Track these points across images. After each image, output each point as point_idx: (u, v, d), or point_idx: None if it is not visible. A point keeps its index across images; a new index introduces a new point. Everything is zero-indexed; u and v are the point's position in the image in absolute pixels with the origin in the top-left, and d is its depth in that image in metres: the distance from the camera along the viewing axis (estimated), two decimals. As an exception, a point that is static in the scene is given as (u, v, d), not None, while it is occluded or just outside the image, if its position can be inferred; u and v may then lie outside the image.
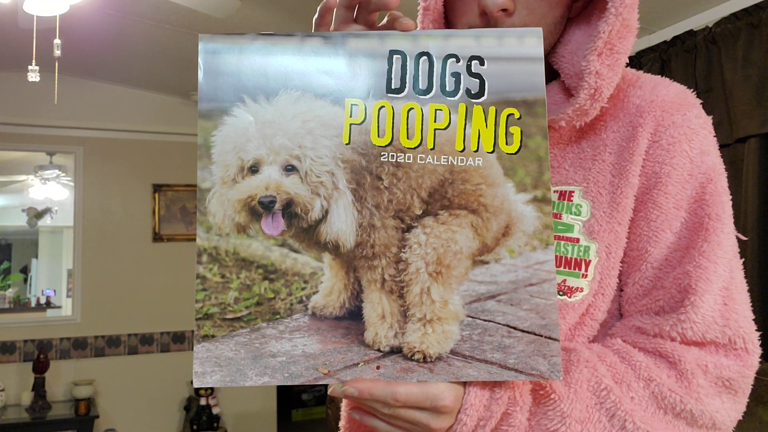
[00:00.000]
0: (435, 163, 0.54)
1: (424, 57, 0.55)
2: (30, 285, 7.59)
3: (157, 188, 4.18)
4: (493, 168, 0.54)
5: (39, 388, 3.59)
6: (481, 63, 0.54)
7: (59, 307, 6.39)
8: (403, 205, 0.55)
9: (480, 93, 0.54)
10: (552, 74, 0.73)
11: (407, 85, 0.55)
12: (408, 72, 0.55)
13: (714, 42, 2.29)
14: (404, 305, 0.55)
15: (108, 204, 4.07)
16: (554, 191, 0.68)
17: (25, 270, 7.77)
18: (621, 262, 0.69)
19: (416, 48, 0.56)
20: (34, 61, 2.43)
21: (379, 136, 0.54)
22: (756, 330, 0.66)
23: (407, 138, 0.54)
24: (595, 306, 0.68)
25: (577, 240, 0.68)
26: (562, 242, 0.68)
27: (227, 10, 2.17)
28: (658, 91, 0.70)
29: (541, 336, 0.53)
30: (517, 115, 0.53)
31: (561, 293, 0.67)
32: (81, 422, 3.49)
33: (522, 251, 0.54)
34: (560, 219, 0.68)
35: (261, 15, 2.70)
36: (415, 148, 0.54)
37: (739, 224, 2.22)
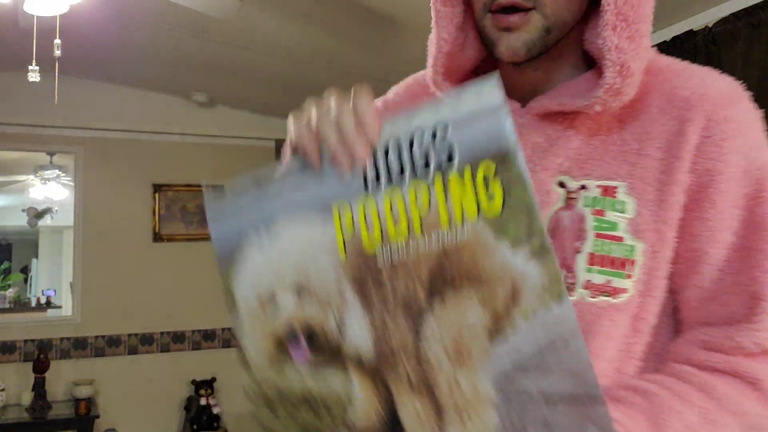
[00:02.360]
0: (427, 247, 0.53)
1: (393, 142, 0.55)
2: (30, 285, 7.59)
3: (158, 188, 4.19)
4: (483, 234, 0.51)
5: (39, 388, 3.59)
6: (446, 130, 0.53)
7: (59, 307, 6.39)
8: (408, 297, 0.54)
9: (451, 160, 0.53)
10: (591, 62, 0.71)
11: (382, 174, 0.55)
12: (379, 160, 0.55)
13: (714, 42, 2.29)
14: (436, 401, 0.53)
15: (108, 204, 4.07)
16: (596, 186, 0.65)
17: (25, 270, 7.77)
18: (675, 264, 0.65)
19: (383, 138, 0.56)
20: (34, 61, 2.43)
21: (370, 242, 0.55)
22: None
23: (395, 232, 0.54)
24: (644, 309, 0.65)
25: (621, 239, 0.64)
26: (606, 240, 0.64)
27: (227, 11, 2.17)
28: (707, 84, 0.67)
29: (583, 399, 0.49)
30: (492, 172, 0.51)
31: (606, 294, 0.64)
32: (81, 422, 3.50)
33: (536, 312, 0.49)
34: (603, 216, 0.64)
35: (261, 15, 2.70)
36: (406, 240, 0.53)
37: (739, 224, 2.22)
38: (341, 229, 0.56)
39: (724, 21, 2.25)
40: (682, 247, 0.65)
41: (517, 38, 0.66)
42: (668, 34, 2.52)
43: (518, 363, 0.50)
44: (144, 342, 4.06)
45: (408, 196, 0.54)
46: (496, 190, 0.50)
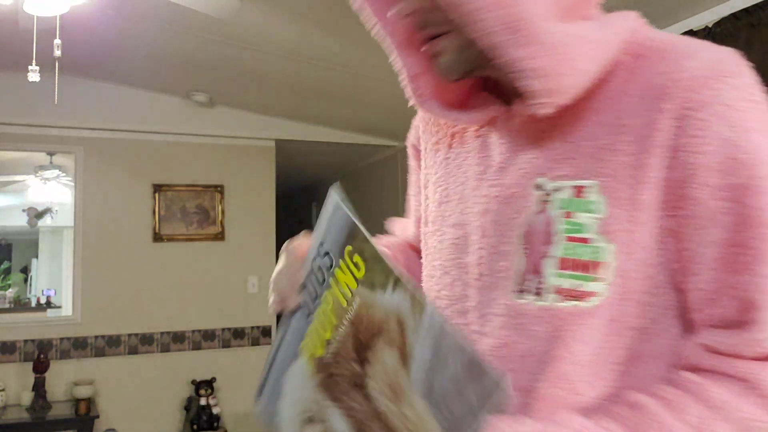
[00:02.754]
0: (345, 330, 0.66)
1: (308, 274, 0.75)
2: (30, 285, 7.59)
3: (158, 188, 4.19)
4: (364, 294, 0.64)
5: (39, 387, 3.59)
6: (322, 245, 0.72)
7: (59, 307, 6.39)
8: (351, 375, 0.65)
9: (332, 262, 0.70)
10: None
11: (312, 301, 0.73)
12: (308, 288, 0.74)
13: (714, 42, 2.29)
14: None
15: (108, 204, 4.07)
16: (570, 186, 0.63)
17: (25, 270, 7.77)
18: (676, 264, 0.62)
19: (307, 269, 0.76)
20: (34, 61, 2.43)
21: (320, 349, 0.70)
22: None
23: (326, 331, 0.69)
24: (622, 312, 0.62)
25: (588, 240, 0.61)
26: (575, 243, 0.61)
27: (227, 11, 2.17)
28: (683, 65, 0.60)
29: (477, 374, 0.54)
30: (352, 249, 0.67)
31: (575, 298, 0.62)
32: (81, 422, 3.50)
33: (416, 327, 0.58)
34: (572, 218, 0.62)
35: (261, 15, 2.70)
36: (333, 334, 0.68)
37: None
38: (308, 353, 0.72)
39: (723, 21, 2.25)
40: (677, 246, 0.61)
41: (442, 62, 0.68)
42: (668, 34, 2.52)
43: (427, 371, 0.57)
44: (144, 342, 4.06)
45: (324, 304, 0.70)
46: (358, 259, 0.65)
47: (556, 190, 0.64)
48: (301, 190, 7.13)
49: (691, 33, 2.39)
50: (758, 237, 0.58)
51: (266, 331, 4.40)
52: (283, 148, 4.74)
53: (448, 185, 0.78)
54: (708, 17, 2.39)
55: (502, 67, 0.60)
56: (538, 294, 0.64)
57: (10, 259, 7.66)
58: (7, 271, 7.44)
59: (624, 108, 0.62)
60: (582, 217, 0.62)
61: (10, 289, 6.83)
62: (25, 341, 3.82)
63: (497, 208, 0.69)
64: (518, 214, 0.67)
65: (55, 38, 2.17)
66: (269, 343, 4.41)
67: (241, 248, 4.38)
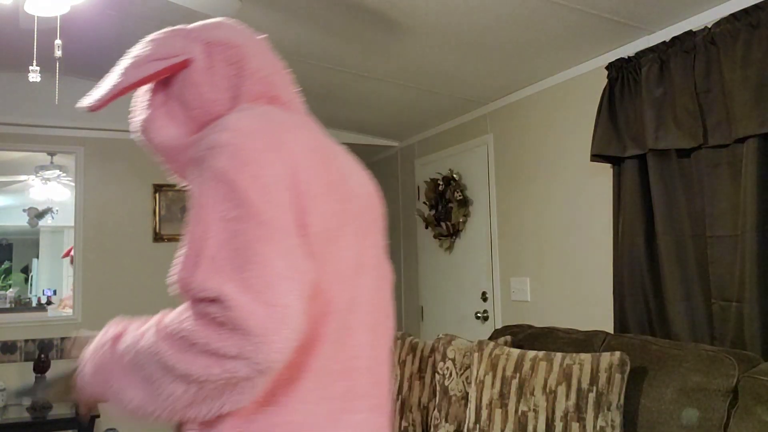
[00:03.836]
0: None
1: None
2: (31, 285, 7.59)
3: (158, 188, 4.19)
4: None
5: (40, 387, 3.59)
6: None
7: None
8: None
9: None
10: None
11: None
12: None
13: (713, 42, 2.29)
14: None
15: (108, 204, 4.07)
16: None
17: (26, 270, 7.77)
18: None
19: None
20: (34, 61, 2.43)
21: None
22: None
23: None
24: None
25: None
26: None
27: (228, 11, 2.18)
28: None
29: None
30: None
31: None
32: (81, 422, 3.50)
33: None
34: None
35: (262, 16, 2.70)
36: None
37: (738, 224, 2.22)
38: None
39: (723, 21, 2.25)
40: None
41: None
42: (667, 34, 2.52)
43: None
44: (144, 342, 4.06)
45: None
46: None
47: None
48: (301, 190, 7.13)
49: (690, 33, 2.39)
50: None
51: (266, 331, 4.40)
52: (283, 148, 4.74)
53: None
54: (707, 18, 2.39)
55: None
56: None
57: (11, 259, 7.67)
58: (8, 271, 7.44)
59: None
60: None
61: (11, 289, 6.83)
62: (26, 341, 3.83)
63: None
64: None
65: (56, 38, 2.17)
66: (269, 343, 4.41)
67: (242, 248, 4.37)
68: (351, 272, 0.88)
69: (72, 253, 4.92)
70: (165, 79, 0.98)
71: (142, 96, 1.03)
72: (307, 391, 0.81)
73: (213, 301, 0.74)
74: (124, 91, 0.95)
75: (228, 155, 0.80)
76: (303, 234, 0.80)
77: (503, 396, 2.33)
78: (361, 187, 0.99)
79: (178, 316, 0.80)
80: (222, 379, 0.72)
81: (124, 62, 0.97)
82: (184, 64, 0.95)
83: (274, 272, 0.73)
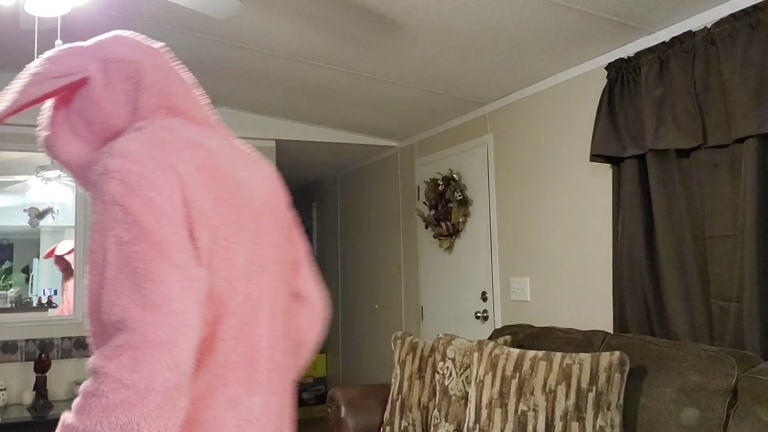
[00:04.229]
0: None
1: None
2: (31, 285, 7.59)
3: (158, 188, 4.19)
4: None
5: (40, 387, 3.61)
6: None
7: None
8: None
9: None
10: None
11: None
12: None
13: (713, 43, 2.29)
14: None
15: (109, 204, 4.07)
16: None
17: (26, 270, 7.78)
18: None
19: None
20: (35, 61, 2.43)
21: None
22: None
23: None
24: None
25: None
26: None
27: (228, 12, 2.18)
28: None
29: None
30: None
31: None
32: (82, 421, 3.50)
33: None
34: None
35: (262, 16, 2.71)
36: None
37: (738, 224, 2.23)
38: None
39: (722, 22, 2.26)
40: None
41: None
42: (667, 35, 2.53)
43: None
44: (145, 341, 4.07)
45: None
46: None
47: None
48: (301, 190, 7.14)
49: (689, 34, 2.40)
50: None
51: (267, 331, 4.41)
52: (283, 148, 4.75)
53: None
54: (707, 18, 2.39)
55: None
56: None
57: (11, 259, 7.67)
58: (9, 271, 7.45)
59: None
60: None
61: (12, 289, 6.84)
62: (27, 341, 3.83)
63: None
64: None
65: (57, 39, 2.17)
66: (270, 343, 4.41)
67: (242, 248, 4.39)
68: (247, 274, 0.97)
69: (56, 253, 4.94)
70: (65, 96, 1.03)
71: (45, 113, 1.06)
72: (210, 379, 0.91)
73: (118, 328, 0.80)
74: (22, 108, 0.98)
75: (118, 181, 0.86)
76: (195, 247, 0.88)
77: (503, 396, 2.33)
78: (257, 191, 1.04)
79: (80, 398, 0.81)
80: (159, 387, 0.77)
81: (23, 79, 1.00)
82: (82, 82, 1.00)
83: (170, 286, 0.82)
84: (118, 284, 0.81)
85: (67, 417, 0.79)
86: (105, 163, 0.89)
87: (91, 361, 0.79)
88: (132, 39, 1.08)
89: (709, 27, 2.32)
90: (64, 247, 5.52)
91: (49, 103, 1.06)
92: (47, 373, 3.67)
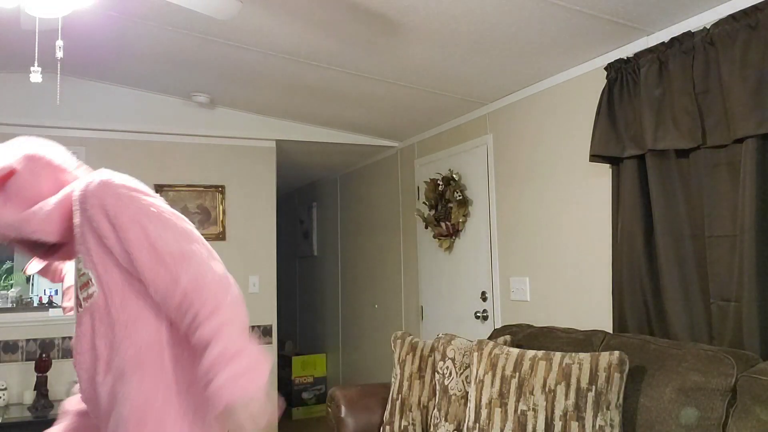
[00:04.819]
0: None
1: None
2: (32, 284, 7.59)
3: (159, 188, 4.20)
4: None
5: (41, 386, 3.61)
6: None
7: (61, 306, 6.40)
8: None
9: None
10: None
11: None
12: None
13: (712, 43, 2.30)
14: None
15: (109, 204, 4.07)
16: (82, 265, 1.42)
17: (27, 270, 7.76)
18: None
19: None
20: (36, 62, 2.44)
21: None
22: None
23: None
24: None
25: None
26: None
27: (229, 12, 2.18)
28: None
29: None
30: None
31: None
32: (83, 421, 3.51)
33: None
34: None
35: (262, 16, 2.71)
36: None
37: (737, 224, 2.23)
38: None
39: (722, 22, 2.26)
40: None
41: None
42: (666, 35, 2.53)
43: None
44: (145, 341, 4.07)
45: None
46: None
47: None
48: (301, 190, 7.14)
49: (689, 34, 2.40)
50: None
51: (267, 330, 4.42)
52: (283, 148, 4.75)
53: None
54: (706, 19, 2.40)
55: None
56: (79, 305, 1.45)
57: (12, 259, 7.67)
58: (10, 271, 7.45)
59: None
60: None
61: (13, 289, 6.84)
62: (27, 340, 3.84)
63: None
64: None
65: (57, 39, 2.18)
66: (270, 342, 4.42)
67: (242, 248, 4.40)
68: None
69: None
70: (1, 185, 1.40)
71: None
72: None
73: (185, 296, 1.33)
74: None
75: (127, 201, 1.38)
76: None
77: (503, 395, 2.34)
78: None
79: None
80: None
81: None
82: (12, 173, 1.38)
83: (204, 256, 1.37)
84: (175, 258, 1.37)
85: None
86: (101, 197, 1.40)
87: None
88: (39, 140, 1.53)
89: (708, 27, 2.32)
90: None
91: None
92: (48, 373, 3.67)
